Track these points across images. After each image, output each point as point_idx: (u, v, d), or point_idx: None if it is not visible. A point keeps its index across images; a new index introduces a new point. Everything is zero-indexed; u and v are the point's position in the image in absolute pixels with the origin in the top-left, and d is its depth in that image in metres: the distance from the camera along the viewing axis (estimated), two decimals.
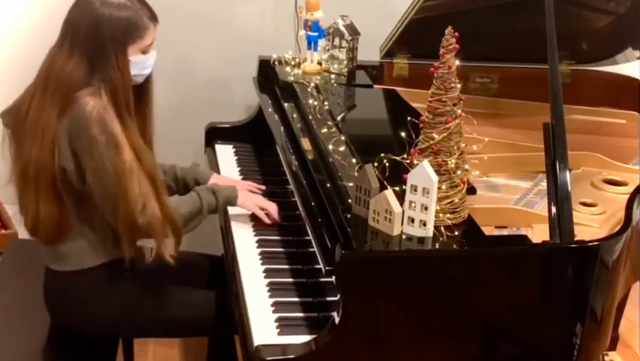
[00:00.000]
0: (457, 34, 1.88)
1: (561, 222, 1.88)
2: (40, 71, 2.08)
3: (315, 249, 2.07)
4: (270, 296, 2.08)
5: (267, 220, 2.37)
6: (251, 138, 2.97)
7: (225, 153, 2.91)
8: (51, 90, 2.03)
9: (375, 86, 2.92)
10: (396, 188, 1.90)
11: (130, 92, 2.07)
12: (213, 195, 2.28)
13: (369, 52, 3.03)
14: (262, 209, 2.38)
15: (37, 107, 2.04)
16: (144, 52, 2.10)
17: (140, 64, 2.10)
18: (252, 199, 2.41)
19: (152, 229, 2.05)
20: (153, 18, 2.10)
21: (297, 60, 2.93)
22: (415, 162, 1.91)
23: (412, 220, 1.86)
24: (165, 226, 2.07)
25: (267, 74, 2.99)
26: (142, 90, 2.18)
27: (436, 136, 1.89)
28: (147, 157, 2.09)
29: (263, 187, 2.57)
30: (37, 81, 2.08)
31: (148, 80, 2.19)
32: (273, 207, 2.40)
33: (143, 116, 2.19)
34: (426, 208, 1.83)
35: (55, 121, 2.01)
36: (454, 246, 1.86)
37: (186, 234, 2.21)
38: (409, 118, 2.02)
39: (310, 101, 2.64)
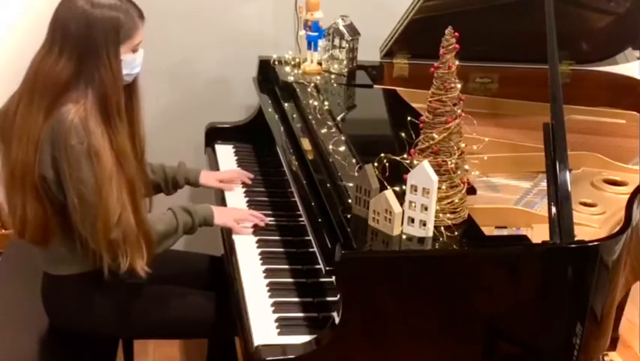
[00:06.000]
0: (457, 34, 1.88)
1: (561, 222, 1.88)
2: (28, 74, 2.06)
3: (315, 249, 2.07)
4: (270, 296, 2.08)
5: (248, 232, 2.35)
6: (251, 138, 2.97)
7: (225, 153, 2.91)
8: (39, 92, 2.01)
9: (375, 86, 2.92)
10: (396, 188, 1.90)
11: (121, 92, 2.05)
12: (190, 216, 2.27)
13: (369, 52, 3.03)
14: (242, 219, 2.38)
15: (24, 109, 2.03)
16: (134, 50, 2.10)
17: (130, 63, 2.09)
18: (229, 215, 2.38)
19: (127, 241, 2.04)
20: (141, 16, 2.10)
21: (297, 60, 2.93)
22: (415, 162, 1.91)
23: (412, 220, 1.86)
24: (139, 239, 2.06)
25: (267, 74, 2.99)
26: (130, 92, 2.16)
27: (436, 136, 1.89)
28: (130, 164, 2.07)
29: (248, 179, 2.64)
30: (24, 84, 2.06)
31: (135, 81, 2.18)
32: (249, 216, 2.39)
33: (131, 118, 2.17)
34: (426, 208, 1.83)
35: (40, 124, 2.00)
36: (454, 246, 1.86)
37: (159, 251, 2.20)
38: (409, 118, 2.02)
39: (310, 101, 2.64)
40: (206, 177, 2.60)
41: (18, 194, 2.07)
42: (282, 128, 2.64)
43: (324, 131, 2.42)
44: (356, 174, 2.03)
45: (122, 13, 2.04)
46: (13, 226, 2.15)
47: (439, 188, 1.85)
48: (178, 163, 2.59)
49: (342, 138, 2.36)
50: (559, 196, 1.91)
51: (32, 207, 2.07)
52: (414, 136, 1.97)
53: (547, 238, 1.92)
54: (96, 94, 2.01)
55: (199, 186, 2.61)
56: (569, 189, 1.93)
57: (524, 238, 2.01)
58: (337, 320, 1.81)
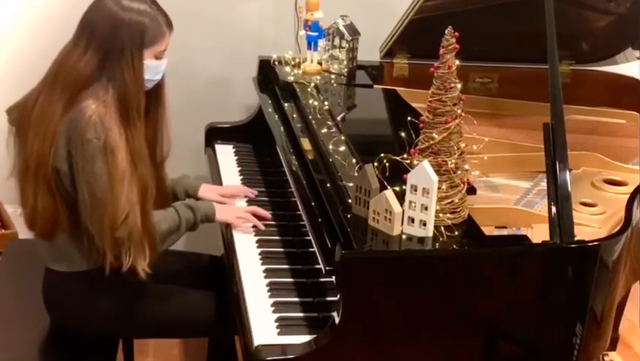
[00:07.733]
0: (457, 34, 1.88)
1: (561, 222, 1.88)
2: (51, 67, 2.09)
3: (315, 249, 2.07)
4: (270, 296, 2.08)
5: (250, 229, 2.36)
6: (251, 138, 2.97)
7: (225, 153, 2.91)
8: (60, 85, 2.04)
9: (375, 86, 2.92)
10: (396, 188, 1.90)
11: (141, 94, 2.08)
12: (192, 212, 2.28)
13: (369, 52, 3.03)
14: (243, 217, 2.37)
15: (44, 100, 2.05)
16: (158, 57, 2.13)
17: (153, 69, 2.12)
18: (230, 212, 2.39)
19: (131, 241, 2.05)
20: (169, 25, 2.14)
21: (297, 60, 2.93)
22: (415, 162, 1.91)
23: (412, 220, 1.86)
24: (144, 240, 2.07)
25: (267, 74, 2.99)
26: (153, 97, 2.19)
27: (436, 136, 1.89)
28: (144, 166, 2.08)
29: (253, 194, 2.57)
30: (46, 77, 2.09)
31: (159, 86, 2.21)
32: (252, 212, 2.39)
33: (154, 122, 2.21)
34: (426, 208, 1.83)
35: (58, 116, 2.02)
36: (454, 246, 1.86)
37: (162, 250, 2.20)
38: (409, 118, 2.02)
39: (310, 101, 2.64)
40: (206, 191, 2.55)
41: (30, 185, 2.08)
42: (282, 128, 2.63)
43: (324, 131, 2.42)
44: (356, 174, 2.03)
45: (149, 19, 2.07)
46: (24, 217, 2.16)
47: (439, 188, 1.85)
48: (181, 175, 2.57)
49: (342, 138, 2.36)
50: (559, 196, 1.91)
51: (43, 199, 2.08)
52: (414, 136, 1.97)
53: (547, 238, 1.92)
54: (117, 92, 2.04)
55: (198, 199, 2.58)
56: (569, 189, 1.93)
57: (524, 238, 2.01)
58: (337, 320, 1.81)
